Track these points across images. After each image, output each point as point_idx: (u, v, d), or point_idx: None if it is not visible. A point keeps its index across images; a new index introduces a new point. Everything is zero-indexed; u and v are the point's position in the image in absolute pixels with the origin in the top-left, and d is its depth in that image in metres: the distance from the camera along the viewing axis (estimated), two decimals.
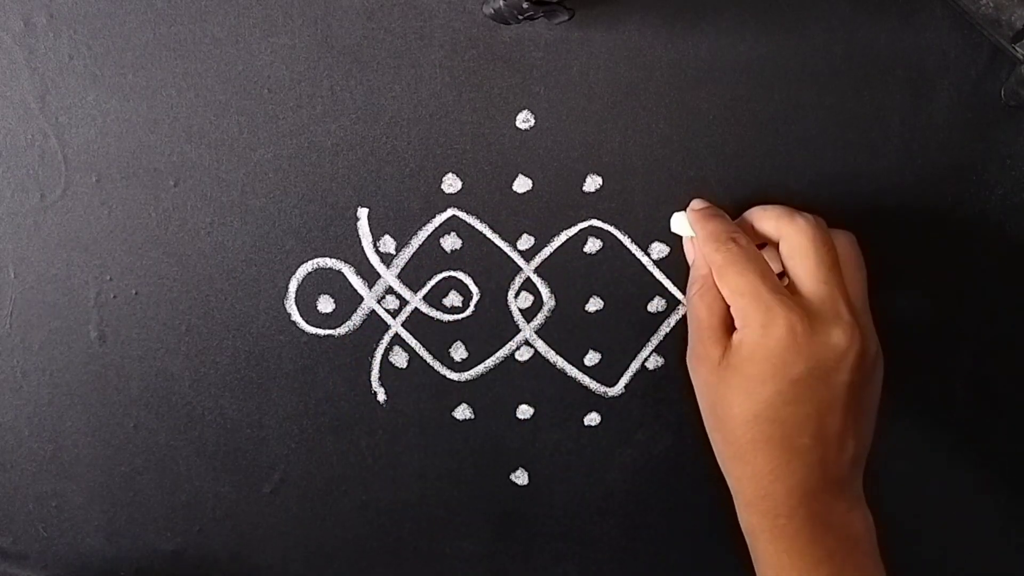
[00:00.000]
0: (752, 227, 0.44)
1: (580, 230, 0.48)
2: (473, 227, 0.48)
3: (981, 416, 0.51)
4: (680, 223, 0.46)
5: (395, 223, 0.48)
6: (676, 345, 0.49)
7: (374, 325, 0.49)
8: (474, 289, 0.49)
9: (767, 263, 0.42)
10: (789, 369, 0.40)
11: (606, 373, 0.50)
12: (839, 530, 0.40)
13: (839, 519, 0.40)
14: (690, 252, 0.45)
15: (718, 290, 0.42)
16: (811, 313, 0.40)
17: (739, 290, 0.41)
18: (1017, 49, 0.45)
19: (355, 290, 0.48)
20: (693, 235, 0.45)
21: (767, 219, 0.43)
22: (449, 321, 0.49)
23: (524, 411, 0.50)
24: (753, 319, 0.40)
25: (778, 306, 0.40)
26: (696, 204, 0.46)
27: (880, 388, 0.43)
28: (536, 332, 0.49)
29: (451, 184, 0.47)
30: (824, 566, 0.40)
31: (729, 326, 0.42)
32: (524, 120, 0.47)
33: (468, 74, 0.46)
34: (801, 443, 0.40)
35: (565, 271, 0.48)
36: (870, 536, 0.41)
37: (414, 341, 0.49)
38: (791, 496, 0.40)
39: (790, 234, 0.42)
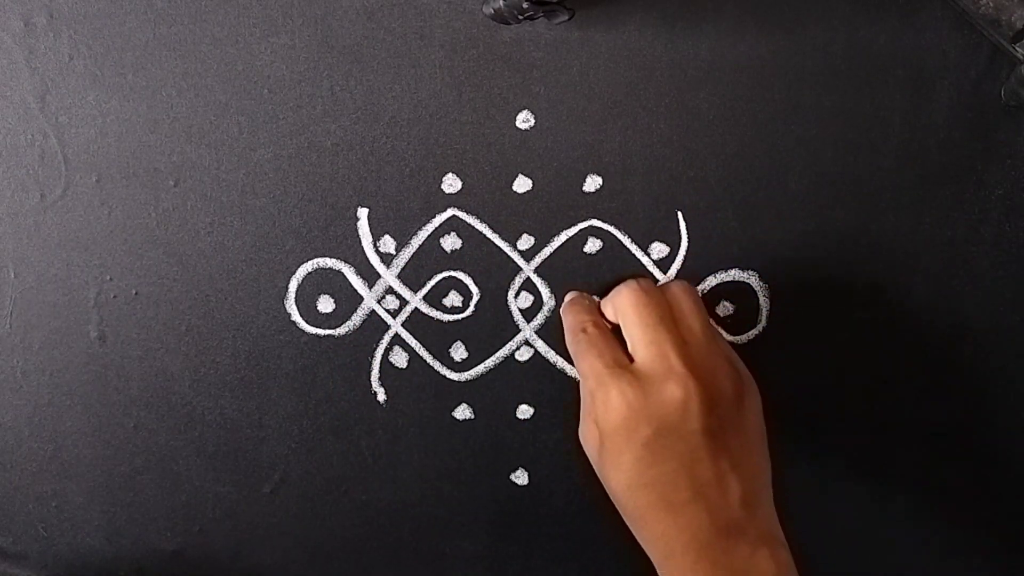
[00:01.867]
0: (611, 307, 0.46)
1: (580, 230, 0.48)
2: (473, 227, 0.48)
3: (981, 416, 0.51)
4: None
5: (395, 223, 0.48)
6: None
7: (374, 325, 0.49)
8: (474, 289, 0.49)
9: (612, 344, 0.44)
10: (637, 435, 0.41)
11: None
12: (745, 575, 0.40)
13: (742, 564, 0.40)
14: None
15: None
16: (643, 376, 0.42)
17: (585, 374, 0.43)
18: (1017, 49, 0.45)
19: (355, 290, 0.48)
20: None
21: (608, 300, 0.46)
22: (449, 321, 0.49)
23: (524, 411, 0.50)
24: (596, 397, 0.42)
25: (609, 379, 0.42)
26: (568, 296, 0.48)
27: (758, 420, 0.43)
28: (536, 332, 0.49)
29: (451, 184, 0.47)
30: None
31: None
32: (524, 120, 0.47)
33: (468, 74, 0.46)
34: (679, 499, 0.40)
35: (565, 271, 0.48)
36: (783, 573, 0.40)
37: (414, 341, 0.49)
38: (688, 552, 0.40)
39: (618, 306, 0.44)
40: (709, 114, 0.47)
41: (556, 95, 0.47)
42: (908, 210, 0.48)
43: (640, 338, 0.43)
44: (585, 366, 0.43)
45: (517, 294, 0.49)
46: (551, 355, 0.49)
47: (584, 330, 0.45)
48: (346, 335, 0.49)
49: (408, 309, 0.49)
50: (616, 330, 0.45)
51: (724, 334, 0.49)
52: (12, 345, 0.48)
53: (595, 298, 0.47)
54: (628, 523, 0.43)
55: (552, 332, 0.49)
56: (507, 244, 0.48)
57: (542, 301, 0.49)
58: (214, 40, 0.46)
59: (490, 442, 0.50)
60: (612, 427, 0.41)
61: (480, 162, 0.47)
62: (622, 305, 0.44)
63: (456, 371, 0.49)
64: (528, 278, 0.49)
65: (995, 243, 0.49)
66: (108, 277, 0.48)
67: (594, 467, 0.44)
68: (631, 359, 0.43)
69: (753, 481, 0.42)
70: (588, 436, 0.43)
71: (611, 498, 0.43)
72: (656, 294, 0.44)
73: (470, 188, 0.47)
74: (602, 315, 0.46)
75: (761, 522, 0.41)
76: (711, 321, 0.45)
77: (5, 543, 0.50)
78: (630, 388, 0.41)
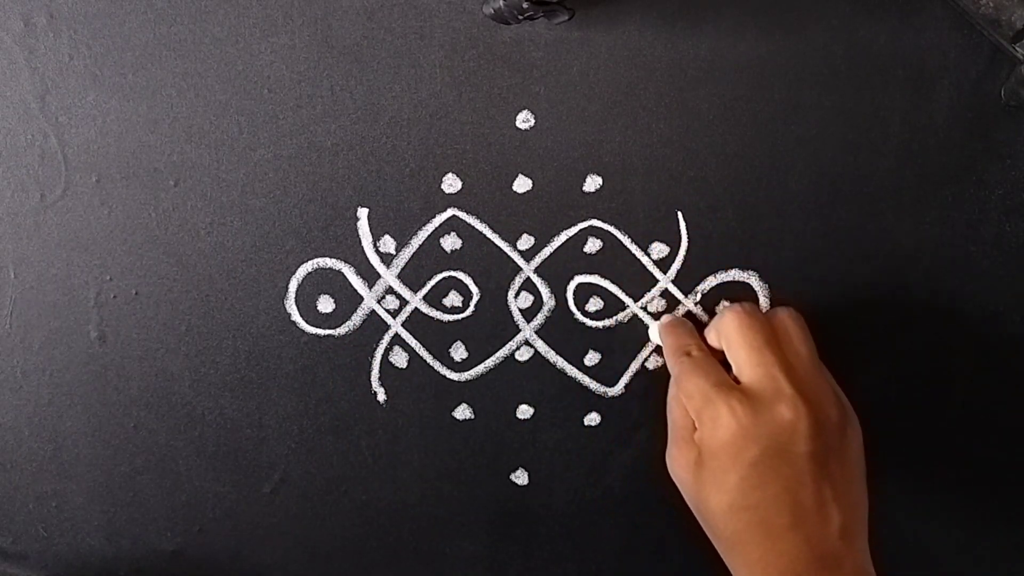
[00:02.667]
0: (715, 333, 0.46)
1: (580, 230, 0.48)
2: (473, 227, 0.48)
3: (980, 417, 0.51)
4: (655, 334, 0.49)
5: (395, 223, 0.48)
6: None
7: (374, 325, 0.49)
8: (474, 289, 0.49)
9: (717, 367, 0.44)
10: (745, 454, 0.41)
11: (606, 373, 0.50)
12: None
13: None
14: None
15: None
16: (752, 396, 0.42)
17: (690, 394, 0.43)
18: (1017, 49, 0.45)
19: (355, 290, 0.48)
20: None
21: (712, 326, 0.46)
22: (449, 321, 0.49)
23: (524, 411, 0.50)
24: (704, 416, 0.42)
25: (718, 397, 0.42)
26: (663, 319, 0.48)
27: (859, 451, 0.43)
28: (536, 332, 0.49)
29: (451, 184, 0.47)
30: None
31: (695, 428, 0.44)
32: (524, 120, 0.47)
33: (468, 74, 0.46)
34: (780, 524, 0.40)
35: (565, 271, 0.48)
36: None
37: (414, 341, 0.49)
38: None
39: (722, 330, 0.45)
40: (709, 114, 0.47)
41: (556, 95, 0.47)
42: (908, 210, 0.48)
43: (746, 360, 0.43)
44: (691, 386, 0.43)
45: (517, 294, 0.49)
46: (551, 355, 0.49)
47: (688, 353, 0.45)
48: (346, 335, 0.49)
49: (408, 309, 0.49)
50: (719, 356, 0.45)
51: None
52: (12, 345, 0.48)
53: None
54: (719, 546, 0.42)
55: (552, 332, 0.49)
56: (507, 244, 0.48)
57: (542, 301, 0.49)
58: (214, 40, 0.46)
59: (490, 442, 0.50)
60: (719, 445, 0.41)
61: (480, 162, 0.47)
62: (727, 328, 0.44)
63: (456, 371, 0.49)
64: (528, 278, 0.49)
65: (995, 243, 0.49)
66: (108, 277, 0.48)
67: (685, 490, 0.43)
68: (736, 382, 0.43)
69: (853, 512, 0.41)
70: (681, 458, 0.43)
71: (703, 521, 0.43)
72: (761, 318, 0.44)
73: (470, 188, 0.47)
74: (704, 340, 0.46)
75: (857, 556, 0.41)
76: (815, 349, 0.45)
77: (5, 543, 0.50)
78: (740, 406, 0.41)
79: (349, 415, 0.50)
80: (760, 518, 0.40)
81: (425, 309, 0.49)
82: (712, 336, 0.46)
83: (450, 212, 0.48)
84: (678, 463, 0.44)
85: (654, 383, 0.50)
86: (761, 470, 0.40)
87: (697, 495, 0.42)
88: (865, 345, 0.50)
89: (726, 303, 0.48)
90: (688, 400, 0.43)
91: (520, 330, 0.49)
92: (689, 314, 0.49)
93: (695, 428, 0.43)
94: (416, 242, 0.48)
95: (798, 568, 0.39)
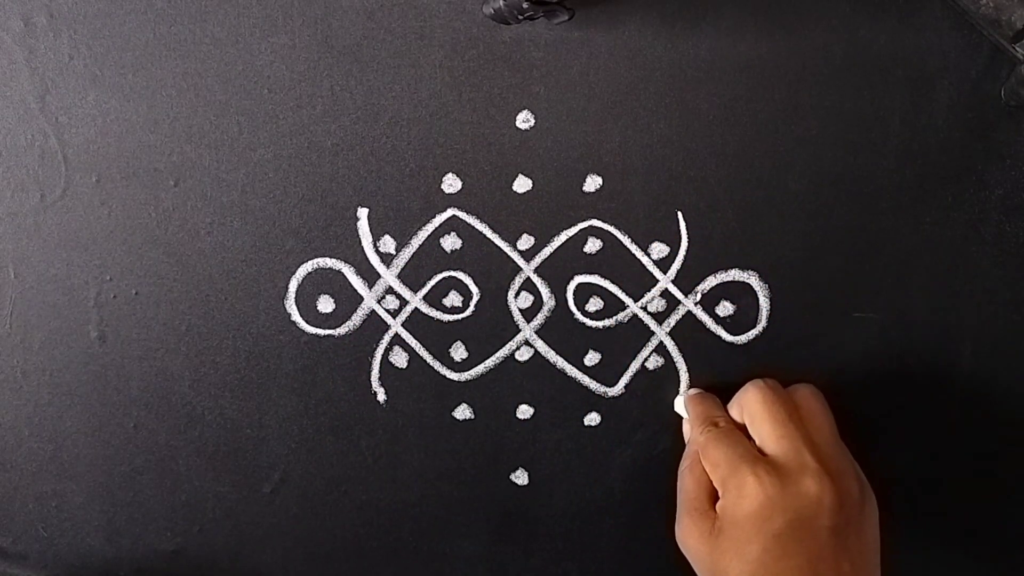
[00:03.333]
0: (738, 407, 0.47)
1: (580, 230, 0.48)
2: (473, 227, 0.48)
3: (981, 415, 0.51)
4: (680, 406, 0.49)
5: (395, 223, 0.48)
6: (676, 345, 0.50)
7: (374, 325, 0.49)
8: (474, 289, 0.49)
9: (743, 438, 0.45)
10: (770, 524, 0.41)
11: (606, 373, 0.50)
12: None
13: None
14: (687, 432, 0.48)
15: (703, 466, 0.45)
16: (778, 468, 0.42)
17: (716, 462, 0.44)
18: (1017, 49, 0.45)
19: (355, 290, 0.48)
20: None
21: (735, 401, 0.47)
22: (449, 321, 0.49)
23: (524, 411, 0.50)
24: (730, 485, 0.43)
25: (746, 467, 0.42)
26: (691, 391, 0.49)
27: (876, 528, 0.44)
28: (536, 332, 0.49)
29: (451, 184, 0.47)
30: None
31: (715, 498, 0.44)
32: (524, 120, 0.47)
33: (468, 74, 0.46)
34: None
35: (565, 271, 0.48)
36: None
37: (414, 341, 0.49)
38: None
39: (746, 404, 0.45)
40: (709, 114, 0.47)
41: (556, 95, 0.47)
42: (908, 210, 0.48)
43: (771, 433, 0.43)
44: (718, 454, 0.44)
45: (517, 294, 0.49)
46: (551, 355, 0.49)
47: (716, 424, 0.45)
48: (346, 335, 0.49)
49: (408, 309, 0.49)
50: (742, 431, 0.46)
51: (725, 335, 0.49)
52: (12, 345, 0.48)
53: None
54: None
55: (552, 332, 0.49)
56: (507, 244, 0.48)
57: (542, 301, 0.49)
58: (214, 40, 0.46)
59: (490, 442, 0.50)
60: (744, 515, 0.41)
61: (480, 162, 0.47)
62: (750, 403, 0.45)
63: (456, 371, 0.49)
64: (528, 278, 0.49)
65: (995, 243, 0.49)
66: (108, 277, 0.48)
67: (699, 559, 0.43)
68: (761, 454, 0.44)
69: None
70: (695, 527, 0.43)
71: None
72: (784, 393, 0.45)
73: (470, 188, 0.47)
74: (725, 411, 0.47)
75: None
76: (835, 425, 0.45)
77: (5, 543, 0.50)
78: (767, 476, 0.42)
79: (349, 415, 0.49)
80: None
81: (425, 309, 0.49)
82: (735, 411, 0.47)
83: (450, 212, 0.48)
84: (690, 533, 0.44)
85: (654, 383, 0.50)
86: (784, 542, 0.41)
87: (715, 565, 0.42)
88: (864, 345, 0.50)
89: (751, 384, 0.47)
90: (713, 468, 0.44)
91: (520, 330, 0.49)
92: (689, 315, 0.49)
93: (712, 498, 0.44)
94: (416, 242, 0.48)
95: None
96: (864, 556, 0.42)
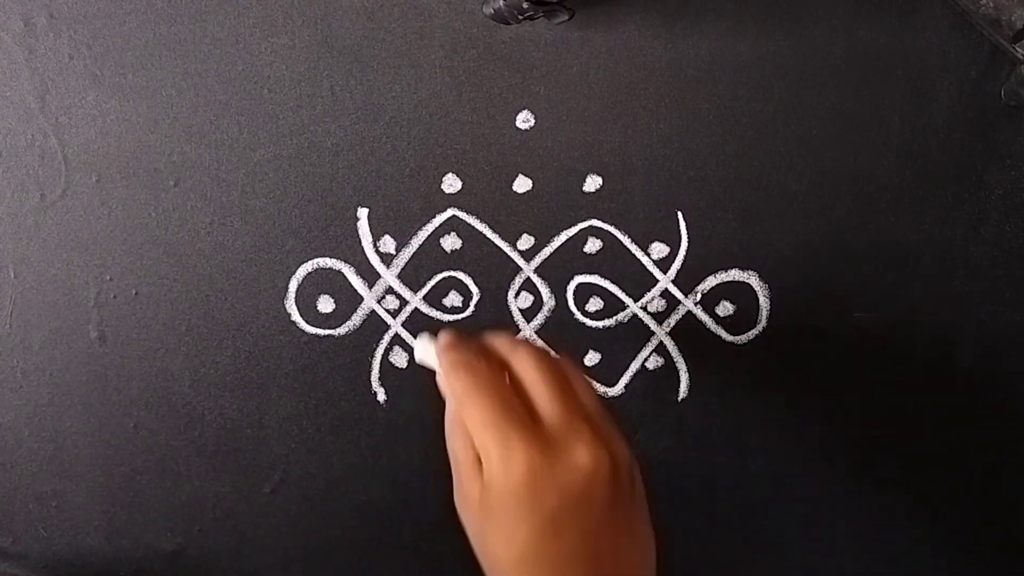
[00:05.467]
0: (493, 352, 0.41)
1: (580, 230, 0.48)
2: (473, 227, 0.48)
3: (981, 415, 0.51)
4: (424, 350, 0.42)
5: (395, 223, 0.48)
6: (676, 345, 0.50)
7: (374, 325, 0.49)
8: (474, 289, 0.49)
9: (511, 396, 0.38)
10: (540, 503, 0.36)
11: (606, 373, 0.50)
12: None
13: None
14: (442, 386, 0.41)
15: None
16: (551, 440, 0.37)
17: (480, 421, 0.37)
18: (1017, 49, 0.45)
19: (355, 290, 0.48)
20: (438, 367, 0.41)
21: (496, 353, 0.41)
22: (449, 321, 0.49)
23: None
24: (493, 455, 0.37)
25: (517, 440, 0.37)
26: (441, 336, 0.42)
27: (643, 490, 0.40)
28: (536, 332, 0.49)
29: (451, 184, 0.47)
30: None
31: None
32: (524, 120, 0.47)
33: (468, 74, 0.46)
34: (575, 574, 0.36)
35: (565, 271, 0.48)
36: None
37: (414, 341, 0.49)
38: None
39: (518, 364, 0.39)
40: (709, 114, 0.47)
41: (556, 95, 0.47)
42: (908, 210, 0.48)
43: (545, 394, 0.38)
44: (483, 416, 0.37)
45: (517, 294, 0.49)
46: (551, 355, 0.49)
47: (472, 369, 0.39)
48: (346, 335, 0.49)
49: (408, 309, 0.49)
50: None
51: (725, 335, 0.49)
52: (12, 345, 0.48)
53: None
54: None
55: (552, 332, 0.49)
56: (507, 244, 0.48)
57: (542, 301, 0.49)
58: (214, 40, 0.46)
59: None
60: (510, 492, 0.36)
61: (480, 162, 0.47)
62: (524, 365, 0.39)
63: None
64: (528, 278, 0.49)
65: (995, 243, 0.49)
66: (108, 277, 0.48)
67: (468, 528, 0.39)
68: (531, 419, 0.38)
69: (646, 554, 0.39)
70: (464, 500, 0.38)
71: (488, 569, 0.38)
72: (552, 357, 0.40)
73: (470, 188, 0.47)
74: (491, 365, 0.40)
75: None
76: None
77: (5, 543, 0.50)
78: (539, 454, 0.36)
79: (349, 415, 0.49)
80: (552, 571, 0.36)
81: (425, 309, 0.49)
82: (495, 364, 0.40)
83: (450, 212, 0.48)
84: (462, 502, 0.39)
85: (654, 383, 0.50)
86: (558, 522, 0.36)
87: (483, 541, 0.38)
88: (865, 345, 0.50)
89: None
90: (474, 427, 0.37)
91: (520, 330, 0.49)
92: (689, 315, 0.49)
93: (480, 460, 0.38)
94: (416, 242, 0.48)
95: None
96: (639, 523, 0.39)
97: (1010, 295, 0.49)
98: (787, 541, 0.51)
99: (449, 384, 0.39)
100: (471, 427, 0.38)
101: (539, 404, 0.38)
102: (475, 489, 0.38)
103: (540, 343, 0.41)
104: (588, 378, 0.41)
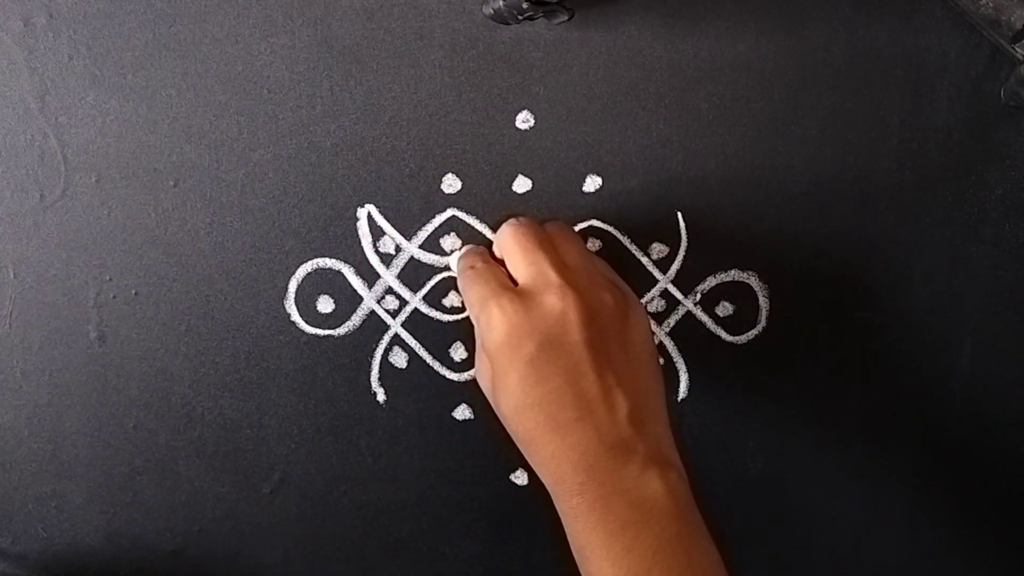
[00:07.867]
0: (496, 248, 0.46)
1: (580, 230, 0.48)
2: (473, 227, 0.48)
3: (981, 415, 0.51)
4: (454, 263, 0.48)
5: (395, 223, 0.48)
6: (676, 345, 0.49)
7: (374, 325, 0.49)
8: None
9: (498, 274, 0.44)
10: (519, 351, 0.40)
11: None
12: (632, 495, 0.38)
13: (630, 483, 0.39)
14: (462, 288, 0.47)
15: None
16: (523, 294, 0.41)
17: (472, 302, 0.43)
18: (1017, 49, 0.45)
19: (355, 290, 0.48)
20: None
21: (494, 241, 0.47)
22: (449, 321, 0.49)
23: None
24: (481, 321, 0.42)
25: (491, 298, 0.41)
26: (463, 249, 0.48)
27: (644, 336, 0.42)
28: None
29: (451, 184, 0.47)
30: (617, 540, 0.38)
31: None
32: (524, 120, 0.47)
33: (468, 74, 0.46)
34: (566, 417, 0.39)
35: None
36: (673, 496, 0.39)
37: (414, 341, 0.49)
38: (577, 472, 0.39)
39: (498, 241, 0.46)
40: (709, 114, 0.47)
41: (556, 95, 0.47)
42: (908, 210, 0.48)
43: (520, 261, 0.43)
44: (473, 294, 0.43)
45: None
46: None
47: (472, 267, 0.45)
48: (346, 335, 0.49)
49: (408, 309, 0.49)
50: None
51: (725, 335, 0.49)
52: (12, 345, 0.48)
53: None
54: (521, 449, 0.42)
55: None
56: None
57: None
58: (214, 40, 0.46)
59: (490, 442, 0.50)
60: (496, 347, 0.41)
61: (480, 162, 0.47)
62: (503, 238, 0.45)
63: (456, 371, 0.49)
64: None
65: (995, 243, 0.49)
66: (108, 277, 0.48)
67: (487, 397, 0.43)
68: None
69: (642, 398, 0.41)
70: (482, 369, 0.43)
71: (505, 426, 0.42)
72: (534, 225, 0.45)
73: (470, 188, 0.47)
74: (492, 257, 0.46)
75: (651, 441, 0.40)
76: (585, 246, 0.46)
77: (5, 543, 0.50)
78: (510, 304, 0.41)
79: (349, 415, 0.49)
80: (546, 414, 0.40)
81: (425, 309, 0.49)
82: (495, 251, 0.46)
83: (450, 212, 0.48)
84: (480, 375, 0.44)
85: None
86: (538, 365, 0.40)
87: (494, 403, 0.42)
88: (865, 345, 0.50)
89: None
90: (471, 308, 0.43)
91: None
92: (689, 315, 0.49)
93: None
94: (416, 242, 0.48)
95: (589, 459, 0.39)
96: (632, 366, 0.41)
97: (1010, 295, 0.49)
98: (787, 541, 0.51)
99: (459, 286, 0.46)
100: (469, 309, 0.44)
101: (515, 268, 0.43)
102: (486, 361, 0.42)
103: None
104: (578, 237, 0.46)
